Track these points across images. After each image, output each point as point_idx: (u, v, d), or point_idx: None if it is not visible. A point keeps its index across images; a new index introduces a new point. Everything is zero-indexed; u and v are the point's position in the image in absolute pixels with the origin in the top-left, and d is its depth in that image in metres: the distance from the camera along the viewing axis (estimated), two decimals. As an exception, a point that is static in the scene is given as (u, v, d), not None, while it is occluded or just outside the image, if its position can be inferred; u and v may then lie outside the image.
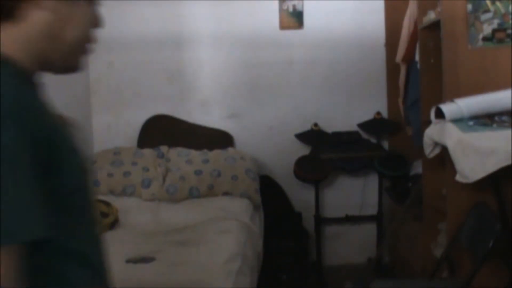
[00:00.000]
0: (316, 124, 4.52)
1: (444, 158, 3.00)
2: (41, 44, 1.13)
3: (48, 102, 1.17)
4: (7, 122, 0.97)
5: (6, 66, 1.07)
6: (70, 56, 1.21)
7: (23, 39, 1.11)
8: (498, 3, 2.92)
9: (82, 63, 1.25)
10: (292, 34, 4.54)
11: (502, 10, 2.92)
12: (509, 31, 2.93)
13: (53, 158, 1.07)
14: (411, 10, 3.78)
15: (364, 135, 4.62)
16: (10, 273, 0.97)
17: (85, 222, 1.20)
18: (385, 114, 4.59)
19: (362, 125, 4.58)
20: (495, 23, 2.93)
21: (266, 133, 4.63)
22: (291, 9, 4.52)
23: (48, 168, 1.05)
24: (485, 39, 2.95)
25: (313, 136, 4.52)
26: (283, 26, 4.53)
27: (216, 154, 4.24)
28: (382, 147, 4.59)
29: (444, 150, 2.88)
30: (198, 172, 4.05)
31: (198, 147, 4.34)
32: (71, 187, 1.13)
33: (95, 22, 1.23)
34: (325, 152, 4.45)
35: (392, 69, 4.39)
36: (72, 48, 1.19)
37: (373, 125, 4.56)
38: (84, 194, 1.20)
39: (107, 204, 3.62)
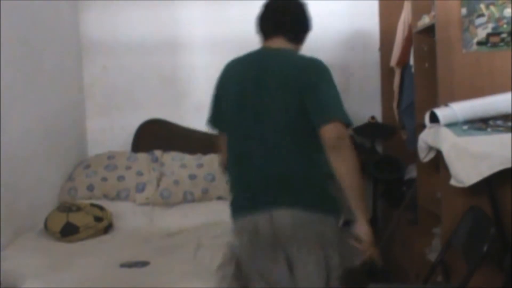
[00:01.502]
0: (310, 128, 4.51)
1: (438, 162, 3.00)
2: None
3: None
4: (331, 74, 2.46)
5: None
6: None
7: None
8: (492, 8, 2.93)
9: None
10: (287, 38, 4.52)
11: (497, 15, 2.93)
12: (503, 35, 2.94)
13: None
14: (406, 14, 3.79)
15: (359, 139, 4.62)
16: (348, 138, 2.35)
17: None
18: (379, 118, 4.58)
19: (356, 129, 4.57)
20: (490, 27, 2.94)
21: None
22: (285, 13, 4.51)
23: None
24: (479, 43, 2.96)
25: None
26: (277, 30, 4.52)
27: (210, 159, 4.23)
28: (376, 151, 4.58)
29: (439, 154, 2.88)
30: (192, 177, 4.04)
31: (192, 151, 4.33)
32: None
33: None
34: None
35: (386, 73, 4.39)
36: None
37: (368, 129, 4.55)
38: None
39: (101, 208, 3.62)
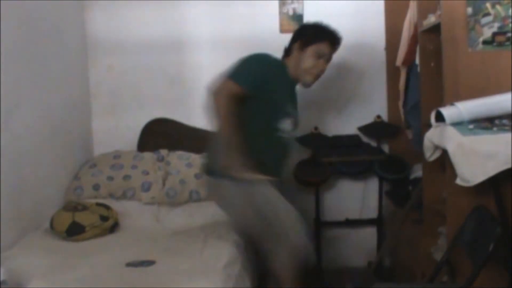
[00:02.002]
0: (316, 128, 4.52)
1: (444, 161, 3.00)
2: (294, 68, 3.33)
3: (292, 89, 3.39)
4: (261, 60, 3.25)
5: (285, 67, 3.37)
6: (304, 77, 3.36)
7: (290, 65, 3.35)
8: (498, 7, 2.92)
9: (311, 82, 3.42)
10: (292, 38, 4.52)
11: (502, 14, 2.92)
12: (509, 35, 2.93)
13: (271, 81, 3.16)
14: (411, 13, 3.78)
15: (364, 139, 4.62)
16: (230, 94, 3.05)
17: (271, 118, 3.21)
18: (385, 117, 4.58)
19: (362, 129, 4.57)
20: (495, 26, 2.93)
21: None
22: (291, 12, 4.52)
23: (267, 82, 3.14)
24: (485, 42, 2.95)
25: (313, 140, 4.52)
26: (283, 30, 4.52)
27: (216, 158, 4.24)
28: (382, 151, 4.58)
29: (444, 153, 2.87)
30: (198, 176, 4.04)
31: (198, 150, 4.32)
32: (273, 96, 3.16)
33: (318, 58, 3.36)
34: (325, 156, 4.45)
35: (392, 72, 4.38)
36: (305, 72, 3.34)
37: (373, 128, 4.56)
38: (276, 108, 3.21)
39: (107, 207, 3.62)
